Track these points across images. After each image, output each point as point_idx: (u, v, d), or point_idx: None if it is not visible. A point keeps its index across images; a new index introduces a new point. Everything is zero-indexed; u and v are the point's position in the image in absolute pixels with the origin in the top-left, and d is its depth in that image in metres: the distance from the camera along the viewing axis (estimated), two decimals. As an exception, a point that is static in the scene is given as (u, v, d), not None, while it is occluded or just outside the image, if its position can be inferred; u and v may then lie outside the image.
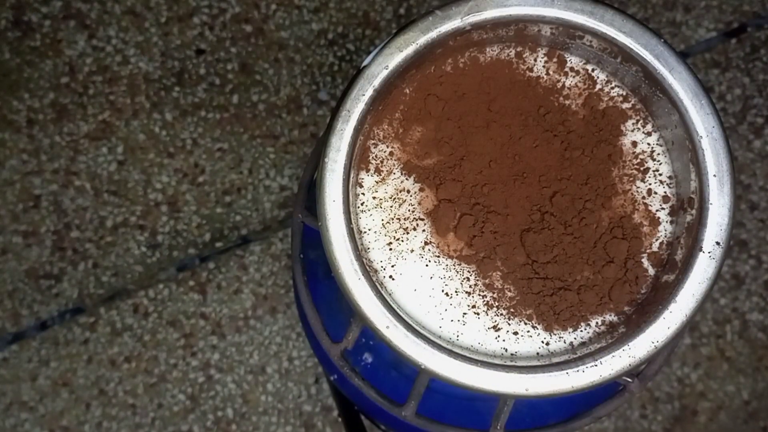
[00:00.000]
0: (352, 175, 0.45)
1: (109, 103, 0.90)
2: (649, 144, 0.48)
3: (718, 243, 0.44)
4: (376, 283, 0.44)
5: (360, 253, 0.44)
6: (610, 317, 0.46)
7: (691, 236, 0.45)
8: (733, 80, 0.91)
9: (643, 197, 0.47)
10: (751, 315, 0.87)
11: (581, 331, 0.46)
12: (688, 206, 0.46)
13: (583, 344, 0.46)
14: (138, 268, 0.88)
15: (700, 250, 0.44)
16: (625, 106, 0.48)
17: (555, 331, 0.46)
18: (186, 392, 0.86)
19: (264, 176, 0.89)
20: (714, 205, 0.44)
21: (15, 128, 0.89)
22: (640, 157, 0.48)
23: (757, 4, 0.93)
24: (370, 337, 0.52)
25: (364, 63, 0.45)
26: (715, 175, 0.45)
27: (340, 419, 0.85)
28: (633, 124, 0.48)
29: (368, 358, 0.55)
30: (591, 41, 0.47)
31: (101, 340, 0.86)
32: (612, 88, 0.49)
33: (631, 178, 0.48)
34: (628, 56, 0.46)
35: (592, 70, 0.49)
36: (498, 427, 0.47)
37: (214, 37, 0.91)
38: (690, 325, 0.78)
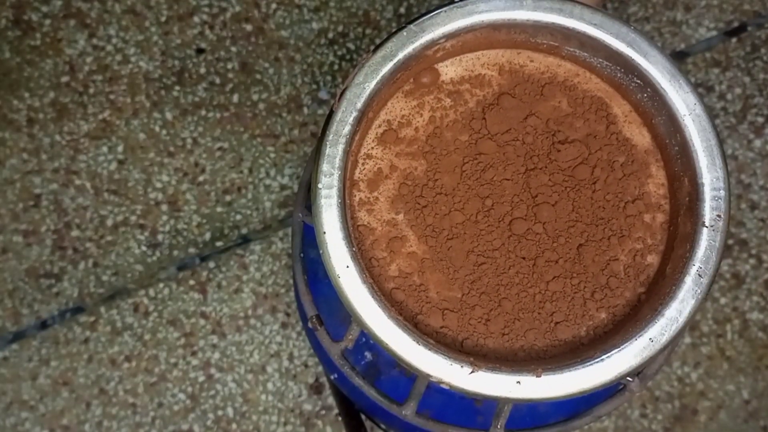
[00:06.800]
0: (346, 197, 0.45)
1: (110, 102, 0.90)
2: (644, 143, 0.48)
3: (719, 216, 0.44)
4: (376, 291, 0.44)
5: (365, 278, 0.43)
6: (610, 318, 0.46)
7: (692, 214, 0.45)
8: (734, 79, 0.91)
9: (644, 194, 0.48)
10: (751, 314, 0.87)
11: (581, 333, 0.46)
12: (688, 183, 0.46)
13: (583, 346, 0.46)
14: (138, 267, 0.88)
15: (703, 225, 0.44)
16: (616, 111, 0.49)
17: (554, 338, 0.46)
18: (186, 391, 0.86)
19: (264, 175, 0.89)
20: (708, 179, 0.44)
21: (15, 127, 0.89)
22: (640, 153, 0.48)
23: (757, 3, 0.93)
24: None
25: (345, 85, 0.45)
26: (704, 150, 0.45)
27: (340, 419, 0.85)
28: (626, 121, 0.48)
29: (368, 357, 0.55)
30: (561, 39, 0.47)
31: (101, 339, 0.86)
32: (594, 94, 0.49)
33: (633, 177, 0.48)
34: (600, 47, 0.46)
35: (568, 67, 0.49)
36: (498, 426, 0.47)
37: (215, 36, 0.91)
38: (690, 324, 0.78)
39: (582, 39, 0.46)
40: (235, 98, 0.90)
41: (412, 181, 0.47)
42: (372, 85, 0.45)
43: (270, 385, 0.86)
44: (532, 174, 0.47)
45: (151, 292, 0.87)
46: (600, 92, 0.48)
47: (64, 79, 0.90)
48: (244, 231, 0.88)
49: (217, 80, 0.90)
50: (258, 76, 0.90)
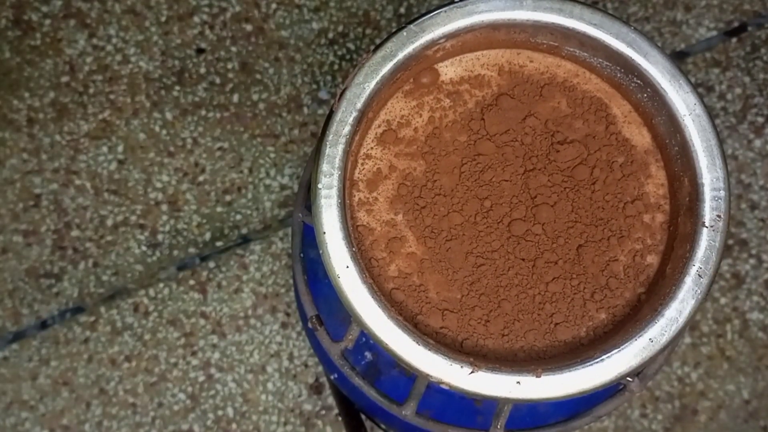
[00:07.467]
0: (346, 197, 0.45)
1: (110, 102, 0.90)
2: (644, 143, 0.48)
3: (719, 216, 0.44)
4: (376, 291, 0.44)
5: (365, 278, 0.43)
6: (609, 318, 0.46)
7: (691, 214, 0.45)
8: (734, 79, 0.91)
9: (643, 194, 0.48)
10: (751, 314, 0.87)
11: (581, 334, 0.46)
12: (688, 183, 0.46)
13: (583, 346, 0.46)
14: (138, 267, 0.88)
15: (703, 225, 0.44)
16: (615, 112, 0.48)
17: (554, 338, 0.46)
18: (186, 391, 0.86)
19: (264, 175, 0.89)
20: (708, 179, 0.44)
21: (15, 127, 0.89)
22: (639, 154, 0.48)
23: (757, 3, 0.93)
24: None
25: (345, 85, 0.45)
26: (704, 150, 0.45)
27: (340, 419, 0.85)
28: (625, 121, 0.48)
29: (368, 357, 0.55)
30: (562, 38, 0.47)
31: (101, 339, 0.86)
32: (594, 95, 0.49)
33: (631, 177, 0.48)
34: (600, 47, 0.47)
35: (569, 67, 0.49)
36: (498, 426, 0.47)
37: (215, 36, 0.91)
38: (690, 324, 0.78)
39: (582, 39, 0.46)
40: (235, 98, 0.90)
41: (411, 182, 0.47)
42: (372, 85, 0.45)
43: (270, 385, 0.86)
44: (531, 175, 0.47)
45: (151, 292, 0.87)
46: (599, 92, 0.48)
47: (64, 79, 0.90)
48: (244, 231, 0.88)
49: (217, 80, 0.90)
50: (258, 76, 0.90)
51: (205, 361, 0.86)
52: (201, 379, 0.86)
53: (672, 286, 0.44)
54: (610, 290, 0.46)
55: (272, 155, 0.89)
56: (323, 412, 0.86)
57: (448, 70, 0.48)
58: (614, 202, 0.47)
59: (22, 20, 0.91)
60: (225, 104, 0.90)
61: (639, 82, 0.46)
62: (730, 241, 0.89)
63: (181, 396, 0.86)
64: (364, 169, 0.47)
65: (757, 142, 0.90)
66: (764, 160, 0.90)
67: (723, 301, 0.88)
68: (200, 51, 0.91)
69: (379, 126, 0.48)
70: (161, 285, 0.87)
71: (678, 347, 0.86)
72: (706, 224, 0.44)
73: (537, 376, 0.42)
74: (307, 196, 0.53)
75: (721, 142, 0.45)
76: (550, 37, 0.47)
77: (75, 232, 0.88)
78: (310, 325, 0.52)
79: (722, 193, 0.44)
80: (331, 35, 0.91)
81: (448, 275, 0.46)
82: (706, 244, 0.44)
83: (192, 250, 0.88)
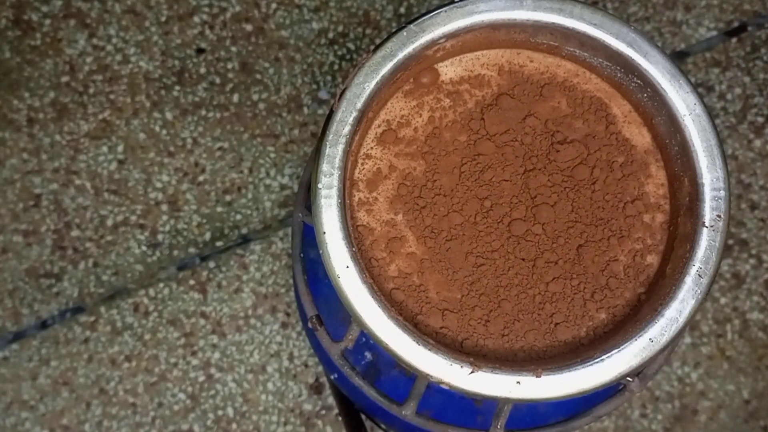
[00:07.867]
0: (346, 197, 0.45)
1: (110, 102, 0.90)
2: (643, 143, 0.48)
3: (719, 216, 0.44)
4: (376, 291, 0.44)
5: (365, 278, 0.43)
6: (609, 318, 0.46)
7: (692, 214, 0.45)
8: (734, 79, 0.91)
9: (643, 193, 0.48)
10: (751, 314, 0.87)
11: (581, 334, 0.46)
12: (688, 183, 0.46)
13: (583, 346, 0.46)
14: (138, 267, 0.88)
15: (703, 225, 0.44)
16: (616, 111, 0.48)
17: (554, 338, 0.46)
18: (186, 391, 0.86)
19: (264, 175, 0.89)
20: (708, 179, 0.45)
21: (15, 127, 0.89)
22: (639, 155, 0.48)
23: (757, 3, 0.93)
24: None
25: (345, 85, 0.45)
26: (704, 150, 0.45)
27: (340, 419, 0.85)
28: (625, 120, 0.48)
29: (368, 357, 0.55)
30: (563, 38, 0.47)
31: (101, 339, 0.86)
32: (593, 96, 0.49)
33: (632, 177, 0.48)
34: (600, 47, 0.47)
35: (569, 66, 0.49)
36: (498, 426, 0.47)
37: (215, 36, 0.91)
38: (690, 324, 0.78)
39: (582, 39, 0.46)
40: (235, 98, 0.90)
41: (410, 182, 0.47)
42: (372, 85, 0.45)
43: (270, 385, 0.86)
44: (531, 175, 0.47)
45: (151, 292, 0.87)
46: (600, 92, 0.48)
47: (64, 79, 0.90)
48: (244, 231, 0.88)
49: (217, 80, 0.90)
50: (258, 76, 0.90)
51: (205, 361, 0.86)
52: (201, 379, 0.86)
53: (672, 286, 0.44)
54: (610, 290, 0.46)
55: (272, 155, 0.89)
56: (323, 412, 0.86)
57: (448, 70, 0.48)
58: (614, 202, 0.47)
59: (22, 20, 0.91)
60: (225, 104, 0.90)
61: (639, 82, 0.46)
62: (730, 241, 0.89)
63: (181, 396, 0.86)
64: (364, 169, 0.47)
65: (757, 142, 0.90)
66: (764, 160, 0.90)
67: (723, 301, 0.88)
68: (200, 51, 0.91)
69: (379, 126, 0.48)
70: (161, 285, 0.87)
71: (678, 347, 0.86)
72: (706, 224, 0.44)
73: (537, 376, 0.42)
74: (307, 196, 0.53)
75: (721, 142, 0.45)
76: (550, 37, 0.47)
77: (75, 232, 0.88)
78: (310, 325, 0.52)
79: (722, 193, 0.44)
80: (331, 35, 0.91)
81: (448, 275, 0.46)
82: (706, 244, 0.44)
83: (192, 250, 0.88)
